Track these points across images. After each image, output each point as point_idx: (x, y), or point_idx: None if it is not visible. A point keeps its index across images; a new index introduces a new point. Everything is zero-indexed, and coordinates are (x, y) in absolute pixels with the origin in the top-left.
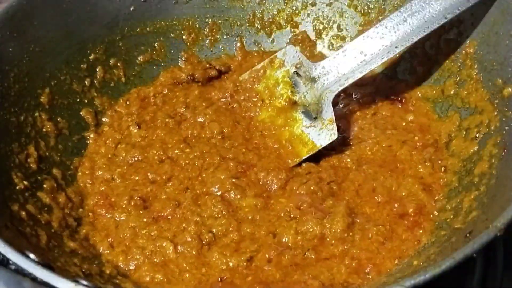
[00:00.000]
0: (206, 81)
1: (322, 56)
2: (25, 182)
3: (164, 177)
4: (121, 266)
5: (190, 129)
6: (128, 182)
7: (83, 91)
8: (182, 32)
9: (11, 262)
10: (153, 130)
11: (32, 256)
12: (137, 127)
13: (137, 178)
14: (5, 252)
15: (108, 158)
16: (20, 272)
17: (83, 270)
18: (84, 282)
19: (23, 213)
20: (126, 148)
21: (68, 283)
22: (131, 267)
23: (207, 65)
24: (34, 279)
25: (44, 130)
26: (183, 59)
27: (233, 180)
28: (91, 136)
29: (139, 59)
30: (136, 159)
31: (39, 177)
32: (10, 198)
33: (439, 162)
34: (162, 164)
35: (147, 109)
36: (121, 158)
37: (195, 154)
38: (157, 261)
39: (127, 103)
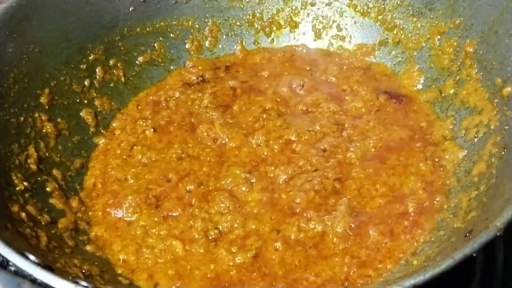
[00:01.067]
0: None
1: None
2: (25, 183)
3: (182, 173)
4: (133, 264)
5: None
6: (142, 182)
7: (82, 91)
8: (186, 41)
9: (10, 263)
10: (169, 133)
11: (32, 257)
12: (152, 131)
13: (150, 177)
14: (4, 253)
15: (123, 159)
16: (19, 273)
17: (83, 271)
18: (84, 283)
19: (23, 214)
20: (142, 150)
21: (68, 284)
22: (143, 265)
23: (215, 65)
24: (33, 280)
25: (44, 130)
26: (190, 66)
27: (246, 175)
28: (102, 140)
29: (138, 59)
30: (152, 159)
31: (39, 178)
32: (10, 199)
33: (438, 160)
34: (180, 161)
35: (161, 113)
36: (136, 159)
37: (216, 152)
38: (168, 258)
39: (139, 107)
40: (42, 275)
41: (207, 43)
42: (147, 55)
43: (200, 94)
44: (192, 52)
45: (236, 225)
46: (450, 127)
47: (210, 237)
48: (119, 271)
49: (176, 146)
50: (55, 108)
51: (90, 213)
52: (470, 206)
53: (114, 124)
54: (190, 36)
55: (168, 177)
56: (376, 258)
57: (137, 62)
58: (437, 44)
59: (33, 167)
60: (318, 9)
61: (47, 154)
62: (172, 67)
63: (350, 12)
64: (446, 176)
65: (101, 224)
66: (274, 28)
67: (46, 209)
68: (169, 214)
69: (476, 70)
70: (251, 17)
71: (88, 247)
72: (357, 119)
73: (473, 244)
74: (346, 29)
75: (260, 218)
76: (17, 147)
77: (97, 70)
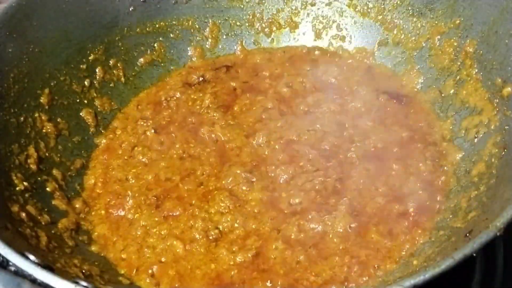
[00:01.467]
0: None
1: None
2: (25, 183)
3: (183, 174)
4: (135, 264)
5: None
6: (142, 182)
7: (82, 91)
8: (188, 48)
9: (10, 263)
10: (170, 134)
11: (31, 257)
12: (153, 131)
13: (151, 177)
14: (4, 253)
15: (124, 159)
16: (19, 273)
17: (83, 271)
18: (84, 283)
19: (23, 214)
20: (143, 151)
21: (68, 284)
22: (144, 265)
23: (215, 65)
24: (33, 280)
25: (44, 131)
26: (190, 66)
27: (247, 174)
28: (103, 141)
29: (138, 59)
30: (153, 159)
31: (39, 178)
32: (10, 199)
33: (438, 160)
34: (182, 161)
35: (162, 113)
36: (137, 159)
37: (217, 152)
38: (169, 258)
39: (139, 107)
40: (42, 275)
41: (207, 44)
42: (147, 55)
43: (201, 94)
44: (194, 58)
45: (236, 225)
46: (450, 127)
47: (210, 237)
48: (121, 271)
49: (177, 146)
50: (55, 108)
51: (92, 213)
52: (470, 206)
53: (115, 124)
54: (191, 38)
55: (169, 177)
56: (376, 258)
57: (137, 62)
58: (437, 44)
59: (33, 167)
60: (318, 9)
61: (47, 154)
62: (172, 67)
63: (350, 12)
64: (446, 176)
65: (103, 224)
66: (274, 28)
67: (46, 209)
68: (170, 214)
69: (476, 70)
70: (251, 17)
71: (89, 247)
72: (358, 119)
73: (473, 244)
74: (346, 29)
75: (260, 217)
76: (17, 147)
77: (97, 70)
